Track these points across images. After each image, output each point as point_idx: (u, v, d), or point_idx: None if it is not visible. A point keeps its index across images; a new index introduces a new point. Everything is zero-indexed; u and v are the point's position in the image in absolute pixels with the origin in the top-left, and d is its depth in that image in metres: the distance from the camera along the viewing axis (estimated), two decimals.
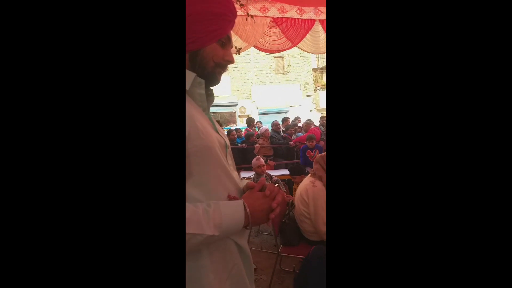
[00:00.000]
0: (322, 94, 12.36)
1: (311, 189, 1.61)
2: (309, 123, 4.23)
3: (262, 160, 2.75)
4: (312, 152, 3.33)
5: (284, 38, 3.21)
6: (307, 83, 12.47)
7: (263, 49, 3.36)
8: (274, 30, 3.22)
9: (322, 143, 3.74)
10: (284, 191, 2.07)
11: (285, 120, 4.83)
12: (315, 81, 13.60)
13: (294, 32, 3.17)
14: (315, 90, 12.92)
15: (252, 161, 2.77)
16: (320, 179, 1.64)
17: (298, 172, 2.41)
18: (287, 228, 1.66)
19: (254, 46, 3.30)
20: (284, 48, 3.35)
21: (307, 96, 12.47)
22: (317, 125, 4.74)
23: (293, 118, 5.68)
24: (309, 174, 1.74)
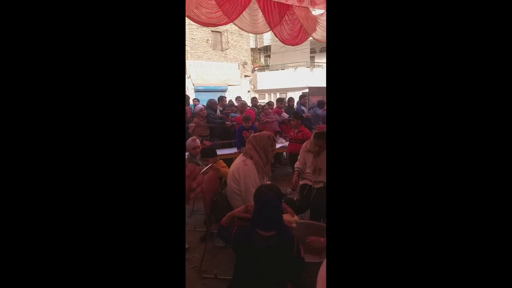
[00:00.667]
0: (260, 75, 12.61)
1: (242, 168, 1.67)
2: (244, 103, 4.28)
3: (198, 141, 2.66)
4: (248, 133, 3.42)
5: (220, 11, 3.05)
6: (245, 63, 12.42)
7: (198, 21, 3.12)
8: (210, 1, 3.00)
9: (257, 124, 3.88)
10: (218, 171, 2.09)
11: (221, 99, 4.73)
12: (253, 61, 13.67)
13: (230, 7, 3.04)
14: (253, 70, 13.03)
15: (187, 142, 2.64)
16: (251, 158, 1.71)
17: (209, 154, 2.41)
18: (219, 206, 1.70)
19: (188, 17, 3.02)
20: (220, 22, 3.19)
21: (245, 76, 12.49)
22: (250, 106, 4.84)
23: (234, 98, 5.64)
24: (241, 153, 1.80)
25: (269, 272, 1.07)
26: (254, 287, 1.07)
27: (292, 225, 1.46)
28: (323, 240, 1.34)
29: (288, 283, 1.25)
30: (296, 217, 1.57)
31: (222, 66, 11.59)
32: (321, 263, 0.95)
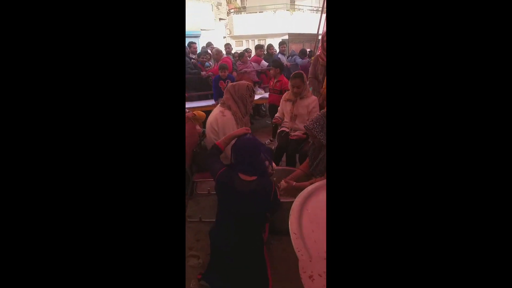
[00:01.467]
0: (236, 19, 11.48)
1: (220, 119, 1.65)
2: (219, 51, 3.98)
3: None
4: (224, 83, 3.28)
5: None
6: (219, 3, 11.07)
7: None
8: None
9: (235, 74, 3.70)
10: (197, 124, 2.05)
11: (190, 45, 4.30)
12: (228, 2, 12.22)
13: None
14: (228, 13, 11.75)
15: None
16: (229, 108, 1.68)
17: None
18: (199, 157, 1.73)
19: None
20: None
21: (220, 19, 11.29)
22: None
23: (204, 44, 5.17)
24: (219, 104, 1.75)
25: (249, 213, 1.17)
26: (235, 227, 1.18)
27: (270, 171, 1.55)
28: (294, 184, 1.50)
29: (266, 223, 1.39)
30: (273, 164, 1.66)
31: (192, 6, 10.21)
32: (293, 201, 1.05)
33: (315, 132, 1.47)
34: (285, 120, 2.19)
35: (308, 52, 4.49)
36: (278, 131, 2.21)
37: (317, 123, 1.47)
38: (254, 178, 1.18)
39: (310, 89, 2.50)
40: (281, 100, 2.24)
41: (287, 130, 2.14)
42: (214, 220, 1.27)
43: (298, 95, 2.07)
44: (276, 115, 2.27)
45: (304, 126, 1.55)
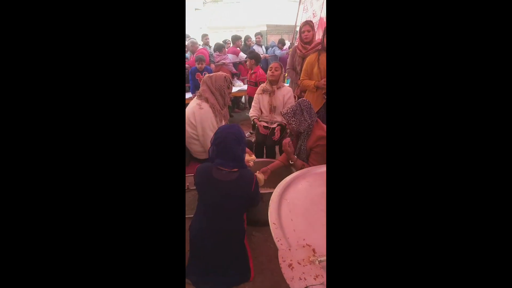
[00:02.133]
0: (213, 9, 11.11)
1: (198, 112, 1.60)
2: (194, 42, 3.84)
3: None
4: (201, 75, 3.19)
5: None
6: None
7: None
8: None
9: (212, 66, 3.60)
10: None
11: None
12: None
13: None
14: (204, 3, 11.34)
15: None
16: (206, 100, 1.63)
17: None
18: None
19: None
20: None
21: (196, 9, 10.87)
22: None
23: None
24: (196, 96, 1.70)
25: (230, 204, 1.16)
26: (215, 219, 1.16)
27: (250, 163, 1.55)
28: (292, 156, 1.53)
29: (245, 213, 1.39)
30: (253, 156, 1.66)
31: None
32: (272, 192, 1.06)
33: (288, 117, 1.49)
34: (263, 113, 2.17)
35: (289, 45, 4.47)
36: (257, 125, 2.18)
37: (291, 109, 1.50)
38: (235, 170, 1.16)
39: (287, 82, 2.50)
40: (256, 94, 2.17)
41: (265, 124, 2.13)
42: (193, 216, 1.24)
43: (275, 81, 2.06)
44: (251, 113, 2.18)
45: (280, 112, 1.57)
